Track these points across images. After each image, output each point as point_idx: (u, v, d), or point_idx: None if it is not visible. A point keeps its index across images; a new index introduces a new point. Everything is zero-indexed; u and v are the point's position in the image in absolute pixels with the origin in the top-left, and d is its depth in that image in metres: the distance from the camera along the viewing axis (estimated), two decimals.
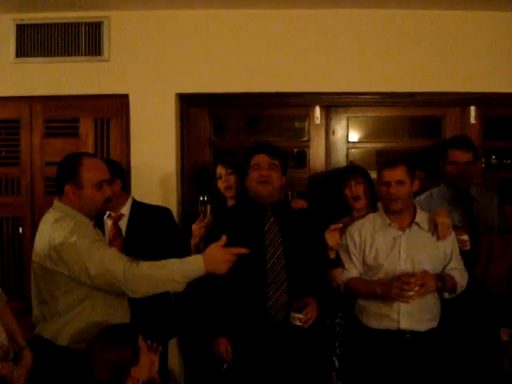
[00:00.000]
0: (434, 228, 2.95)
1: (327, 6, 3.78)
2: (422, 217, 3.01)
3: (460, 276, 2.96)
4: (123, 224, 3.29)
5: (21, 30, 3.87)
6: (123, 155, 3.86)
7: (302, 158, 4.07)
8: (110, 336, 2.28)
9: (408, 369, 2.87)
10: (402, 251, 2.93)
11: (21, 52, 3.88)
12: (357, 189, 3.26)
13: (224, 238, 2.49)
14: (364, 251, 3.00)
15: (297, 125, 4.18)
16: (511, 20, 3.79)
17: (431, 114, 4.06)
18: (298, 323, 2.80)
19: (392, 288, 2.78)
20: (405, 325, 2.88)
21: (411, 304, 2.81)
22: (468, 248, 3.13)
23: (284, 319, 2.86)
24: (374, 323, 2.95)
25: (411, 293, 2.74)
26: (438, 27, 3.81)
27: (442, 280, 2.87)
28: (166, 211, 3.43)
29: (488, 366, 3.17)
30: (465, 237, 3.12)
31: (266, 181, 2.95)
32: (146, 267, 2.42)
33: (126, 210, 3.31)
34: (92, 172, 2.54)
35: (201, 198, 3.19)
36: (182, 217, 3.90)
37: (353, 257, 3.04)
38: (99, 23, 3.86)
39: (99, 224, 3.12)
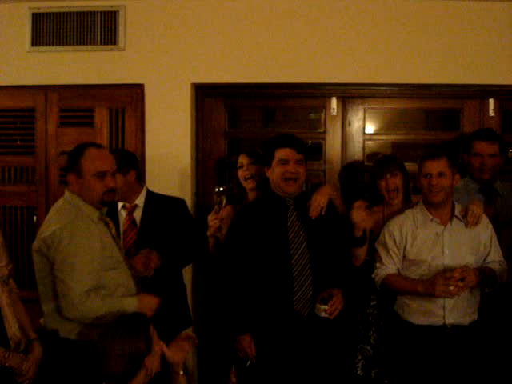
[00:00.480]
0: (465, 215, 2.95)
1: None
2: (459, 210, 3.00)
3: (500, 268, 2.95)
4: (138, 215, 3.27)
5: (36, 18, 3.86)
6: (138, 145, 3.84)
7: (317, 149, 4.03)
8: (123, 327, 2.28)
9: (452, 363, 2.87)
10: (445, 246, 2.92)
11: (36, 41, 3.87)
12: (393, 181, 3.21)
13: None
14: (405, 247, 2.98)
15: (312, 116, 4.14)
16: None
17: (449, 106, 4.01)
18: (323, 315, 2.79)
19: (436, 286, 2.78)
20: (450, 319, 2.88)
21: (455, 298, 2.83)
22: None
23: (309, 314, 2.85)
24: (419, 319, 2.93)
25: (452, 287, 2.75)
26: (457, 18, 3.74)
27: (483, 273, 2.86)
28: (180, 202, 3.41)
29: None
30: None
31: (294, 178, 2.89)
32: (99, 303, 2.49)
33: (140, 200, 3.29)
34: (92, 162, 2.58)
35: (216, 189, 3.18)
36: (197, 207, 3.89)
37: (392, 253, 3.00)
38: (115, 12, 3.84)
39: (113, 215, 3.14)
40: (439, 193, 2.90)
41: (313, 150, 4.05)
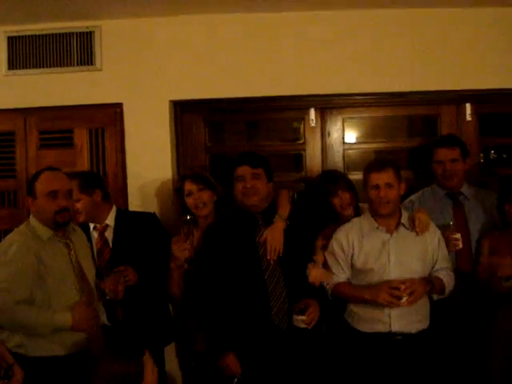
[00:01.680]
0: (413, 224, 2.96)
1: (319, 9, 3.76)
2: (406, 217, 3.01)
3: (448, 277, 2.97)
4: (109, 234, 3.26)
5: (12, 42, 3.87)
6: (119, 164, 3.85)
7: (298, 160, 4.05)
8: (116, 350, 2.27)
9: (400, 371, 2.87)
10: (392, 254, 2.92)
11: (13, 64, 3.88)
12: (345, 196, 3.23)
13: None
14: (352, 256, 2.99)
15: (294, 126, 4.16)
16: (503, 16, 3.77)
17: (427, 112, 4.05)
18: (302, 325, 2.83)
19: (380, 294, 2.79)
20: (396, 327, 2.87)
21: (401, 307, 2.82)
22: (460, 247, 3.13)
23: (288, 327, 2.89)
24: (366, 327, 2.94)
25: (401, 300, 2.76)
26: (430, 25, 3.79)
27: (431, 283, 2.88)
28: (150, 216, 3.40)
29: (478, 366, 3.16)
30: (457, 235, 3.12)
31: (250, 192, 2.95)
32: (28, 313, 2.54)
33: (110, 220, 3.27)
34: (44, 183, 2.68)
35: (184, 218, 3.07)
36: None
37: (340, 261, 3.02)
38: (90, 33, 3.85)
39: (87, 237, 3.14)
40: (388, 204, 2.91)
41: (294, 161, 4.10)
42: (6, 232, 3.89)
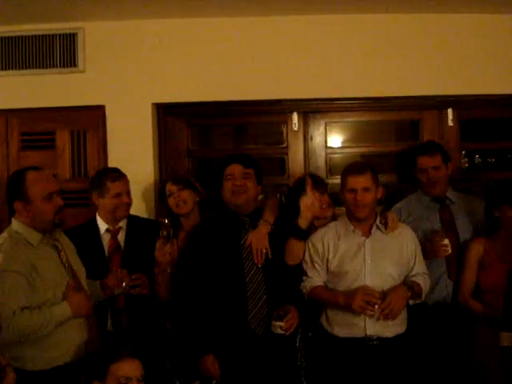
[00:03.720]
0: (384, 223, 2.96)
1: (304, 13, 3.78)
2: (379, 219, 3.01)
3: (424, 281, 2.98)
4: (121, 237, 3.24)
5: None
6: (100, 167, 3.81)
7: (281, 164, 4.06)
8: None
9: (376, 375, 2.86)
10: (367, 256, 2.91)
11: None
12: (324, 199, 3.20)
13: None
14: (328, 259, 2.97)
15: (277, 131, 4.16)
16: (485, 22, 3.80)
17: (409, 117, 4.08)
18: (279, 331, 2.81)
19: (354, 300, 2.77)
20: (371, 331, 2.86)
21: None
22: (449, 253, 3.12)
23: (264, 332, 2.88)
24: (342, 332, 2.92)
25: (371, 313, 2.77)
26: (412, 31, 3.82)
27: (411, 289, 2.87)
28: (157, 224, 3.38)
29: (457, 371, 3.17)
30: (445, 241, 3.11)
31: (240, 190, 2.94)
32: (27, 318, 2.45)
33: (123, 223, 3.26)
34: (38, 185, 2.56)
35: (163, 221, 3.04)
36: None
37: (316, 265, 3.00)
38: (73, 34, 3.84)
39: (95, 240, 3.17)
40: (364, 208, 2.90)
41: (276, 165, 4.11)
42: None
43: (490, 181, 4.08)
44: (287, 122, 4.01)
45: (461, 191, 3.65)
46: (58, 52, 3.84)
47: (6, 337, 2.44)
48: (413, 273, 2.99)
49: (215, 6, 3.65)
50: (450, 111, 3.97)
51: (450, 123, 3.97)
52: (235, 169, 2.98)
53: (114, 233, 3.24)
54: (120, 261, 3.17)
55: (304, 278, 3.02)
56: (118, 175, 3.23)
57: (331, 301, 2.92)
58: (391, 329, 2.89)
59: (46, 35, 3.84)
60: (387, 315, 2.77)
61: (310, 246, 3.01)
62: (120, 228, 3.25)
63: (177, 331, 3.16)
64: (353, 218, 2.97)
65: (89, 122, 3.87)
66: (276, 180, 4.03)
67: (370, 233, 2.96)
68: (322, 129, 4.02)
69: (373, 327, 2.85)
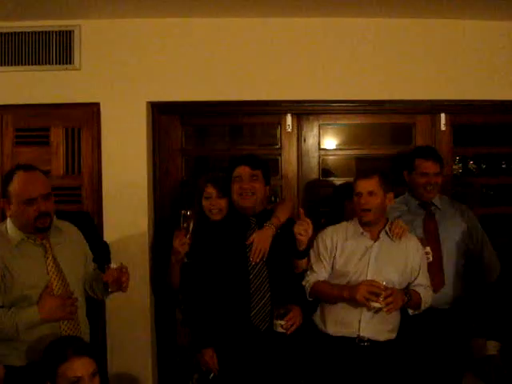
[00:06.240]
0: (390, 230, 2.99)
1: (299, 16, 3.79)
2: (389, 225, 3.04)
3: (425, 293, 2.99)
4: None
5: None
6: (94, 164, 3.84)
7: (274, 165, 4.08)
8: None
9: (364, 377, 2.89)
10: (372, 260, 2.94)
11: None
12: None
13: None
14: (334, 257, 3.01)
15: (271, 132, 4.18)
16: (478, 29, 3.83)
17: (402, 121, 4.09)
18: (280, 330, 2.86)
19: (359, 290, 2.79)
20: (364, 332, 2.89)
21: (373, 314, 2.85)
22: (430, 260, 3.17)
23: (267, 329, 2.92)
24: (334, 330, 2.96)
25: (376, 304, 2.77)
26: (406, 36, 3.84)
27: (408, 295, 2.89)
28: (84, 215, 3.40)
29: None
30: (427, 249, 3.17)
31: (248, 193, 2.98)
32: None
33: None
34: (19, 189, 2.52)
35: (183, 213, 3.05)
36: (154, 226, 3.90)
37: (323, 260, 3.04)
38: (70, 32, 3.84)
39: None
40: (368, 212, 2.94)
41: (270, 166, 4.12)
42: None
43: (483, 186, 4.15)
44: (281, 123, 4.02)
45: (453, 196, 3.68)
46: (54, 49, 3.84)
47: None
48: (415, 283, 3.01)
49: (211, 7, 3.65)
50: (442, 116, 4.00)
51: (443, 128, 4.00)
52: (242, 171, 3.02)
53: None
54: None
55: (308, 272, 3.05)
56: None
57: (335, 294, 2.93)
58: (384, 334, 2.93)
59: (42, 32, 3.83)
60: (390, 304, 2.77)
61: (320, 240, 3.07)
62: None
63: (184, 324, 3.21)
64: (360, 222, 3.01)
65: (83, 119, 3.87)
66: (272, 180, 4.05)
67: (378, 237, 2.99)
68: (315, 130, 4.04)
69: (367, 330, 2.89)
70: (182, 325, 3.28)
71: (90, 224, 3.35)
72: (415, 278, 3.01)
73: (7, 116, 3.90)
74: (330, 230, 3.10)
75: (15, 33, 3.84)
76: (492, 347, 3.00)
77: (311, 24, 3.84)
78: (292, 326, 2.87)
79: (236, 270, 2.96)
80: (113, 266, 2.74)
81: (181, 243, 3.05)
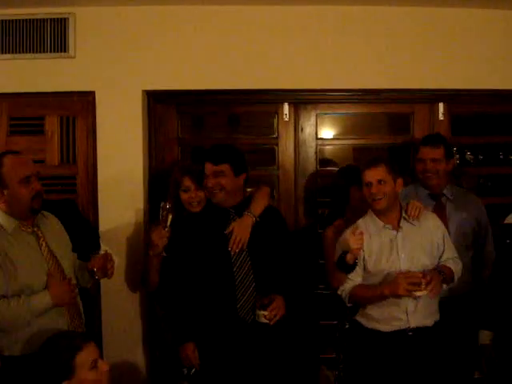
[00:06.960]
0: (406, 211, 2.98)
1: (295, 4, 3.75)
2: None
3: (455, 266, 3.01)
4: None
5: None
6: (90, 153, 3.80)
7: (271, 154, 4.05)
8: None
9: (416, 365, 2.89)
10: (400, 252, 2.93)
11: None
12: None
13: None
14: (364, 258, 2.95)
15: (268, 121, 4.14)
16: (477, 17, 3.79)
17: (400, 110, 4.06)
18: (263, 320, 2.83)
19: (399, 285, 2.77)
20: (414, 322, 2.89)
21: (416, 302, 2.85)
22: None
23: (254, 320, 2.89)
24: (384, 327, 2.92)
25: (420, 293, 2.76)
26: (404, 24, 3.80)
27: (443, 273, 2.89)
28: (69, 203, 3.38)
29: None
30: None
31: (215, 190, 2.93)
32: (5, 307, 2.44)
33: None
34: (15, 168, 2.56)
35: (163, 204, 3.02)
36: (150, 216, 3.87)
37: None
38: (64, 19, 3.79)
39: None
40: (381, 200, 2.91)
41: (267, 155, 4.09)
42: None
43: (481, 176, 4.12)
44: (278, 112, 3.99)
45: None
46: (49, 37, 3.79)
47: None
48: (443, 258, 3.01)
49: None
50: (441, 105, 3.97)
51: (441, 117, 3.97)
52: (207, 168, 2.96)
53: None
54: None
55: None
56: None
57: (376, 295, 2.89)
58: (431, 317, 2.95)
59: (36, 20, 3.78)
60: (433, 290, 2.76)
61: (345, 246, 2.92)
62: None
63: (166, 319, 3.17)
64: (375, 212, 2.98)
65: (78, 107, 3.83)
66: (266, 170, 4.04)
67: (399, 226, 2.97)
68: (312, 120, 4.01)
69: (414, 319, 2.89)
70: (163, 320, 3.25)
71: (75, 211, 3.33)
72: (442, 253, 3.01)
73: (1, 105, 3.86)
74: (349, 232, 2.95)
75: (9, 20, 3.79)
76: (485, 337, 2.98)
77: (308, 12, 3.80)
78: (275, 316, 2.83)
79: (219, 262, 2.92)
80: (101, 253, 2.75)
81: (159, 236, 3.02)
